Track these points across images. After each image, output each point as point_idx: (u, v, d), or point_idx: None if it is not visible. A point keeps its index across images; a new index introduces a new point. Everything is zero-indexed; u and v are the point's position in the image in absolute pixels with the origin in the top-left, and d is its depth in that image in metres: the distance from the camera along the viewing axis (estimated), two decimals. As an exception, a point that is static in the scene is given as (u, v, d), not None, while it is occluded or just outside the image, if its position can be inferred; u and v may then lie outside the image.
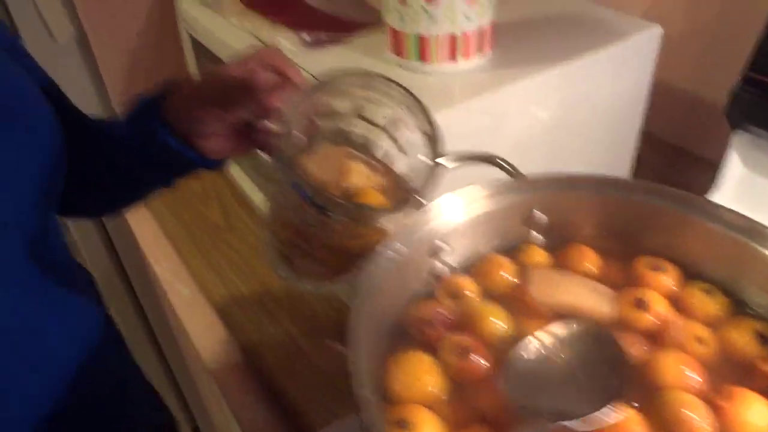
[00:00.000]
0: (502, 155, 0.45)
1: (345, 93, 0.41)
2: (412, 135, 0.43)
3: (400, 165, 0.44)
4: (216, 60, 0.83)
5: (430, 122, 0.41)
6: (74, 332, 0.51)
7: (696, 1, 0.75)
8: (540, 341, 0.36)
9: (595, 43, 0.65)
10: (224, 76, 0.47)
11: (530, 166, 0.45)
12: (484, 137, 0.61)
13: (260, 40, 0.74)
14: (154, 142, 0.51)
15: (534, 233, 0.46)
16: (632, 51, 0.68)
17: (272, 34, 0.72)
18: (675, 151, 0.83)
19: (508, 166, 0.44)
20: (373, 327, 0.36)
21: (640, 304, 0.41)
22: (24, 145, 0.44)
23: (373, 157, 0.43)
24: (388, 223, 0.39)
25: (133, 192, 0.64)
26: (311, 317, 0.82)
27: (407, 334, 0.41)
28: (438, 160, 0.41)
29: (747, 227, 0.41)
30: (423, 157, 0.41)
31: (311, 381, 0.74)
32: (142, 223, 1.07)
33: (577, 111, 0.67)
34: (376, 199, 0.41)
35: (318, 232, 0.41)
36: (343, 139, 0.43)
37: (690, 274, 0.44)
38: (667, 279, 0.44)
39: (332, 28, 0.72)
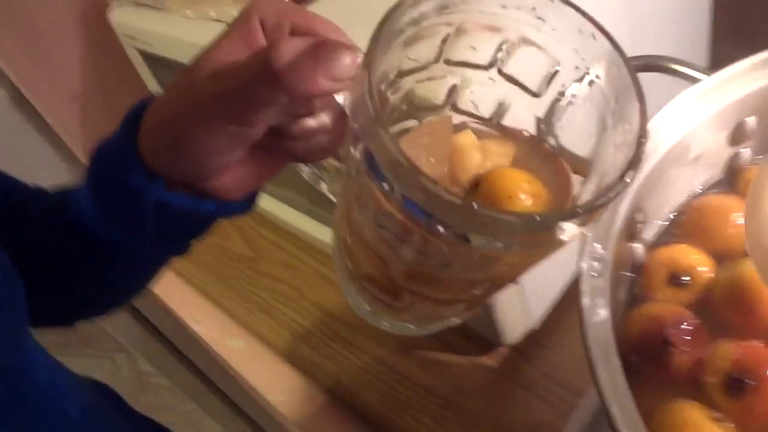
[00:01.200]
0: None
1: (426, 31, 0.24)
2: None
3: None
4: (177, 69, 0.67)
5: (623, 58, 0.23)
6: None
7: None
8: None
9: None
10: (221, 69, 0.28)
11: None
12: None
13: (227, 23, 0.58)
14: (141, 208, 0.32)
15: (746, 150, 0.30)
16: None
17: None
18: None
19: (684, 68, 0.28)
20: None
21: None
22: None
23: (498, 124, 0.26)
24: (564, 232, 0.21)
25: (130, 282, 0.45)
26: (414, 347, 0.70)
27: (645, 367, 0.25)
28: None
29: None
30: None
31: (428, 409, 0.62)
32: (164, 283, 0.93)
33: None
34: (529, 191, 0.24)
35: (437, 271, 0.24)
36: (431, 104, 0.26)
37: None
38: None
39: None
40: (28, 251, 0.39)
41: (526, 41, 0.24)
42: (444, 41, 0.25)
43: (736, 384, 0.23)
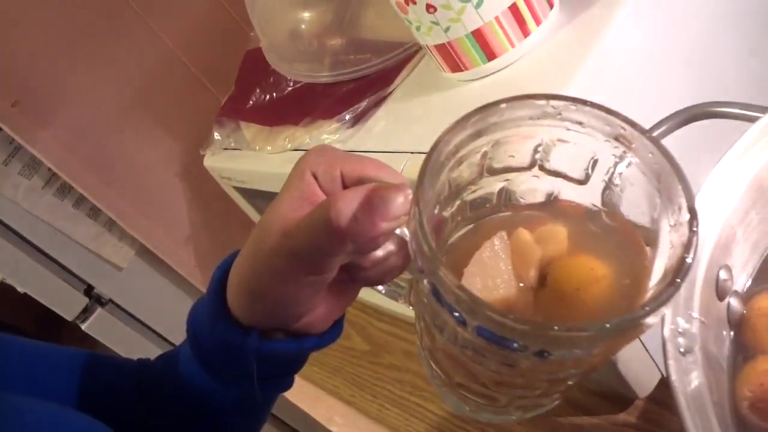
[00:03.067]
0: (640, 109, 0.28)
1: (466, 156, 0.26)
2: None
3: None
4: (271, 198, 0.73)
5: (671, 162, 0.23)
6: None
7: None
8: None
9: None
10: (289, 227, 0.30)
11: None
12: (619, 95, 0.45)
13: (302, 150, 0.63)
14: (245, 360, 0.34)
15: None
16: None
17: (314, 137, 0.60)
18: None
19: (738, 109, 0.28)
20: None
21: None
22: None
23: (551, 203, 0.27)
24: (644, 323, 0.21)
25: None
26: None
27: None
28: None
29: None
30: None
31: None
32: (295, 388, 0.97)
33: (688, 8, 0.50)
34: (594, 277, 0.25)
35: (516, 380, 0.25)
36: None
37: None
38: None
39: (366, 91, 0.59)
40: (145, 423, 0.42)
41: (560, 140, 0.25)
42: (483, 156, 0.26)
43: None
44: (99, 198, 0.86)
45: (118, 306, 0.91)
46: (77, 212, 0.86)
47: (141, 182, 0.91)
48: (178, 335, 0.98)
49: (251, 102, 0.72)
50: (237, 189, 0.81)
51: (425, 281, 0.23)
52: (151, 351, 0.96)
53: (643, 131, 0.23)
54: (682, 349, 0.23)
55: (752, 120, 0.29)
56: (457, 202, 0.28)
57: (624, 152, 0.24)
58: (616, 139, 0.24)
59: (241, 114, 0.72)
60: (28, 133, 0.78)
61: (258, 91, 0.72)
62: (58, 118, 0.82)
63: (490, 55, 0.48)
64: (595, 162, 0.26)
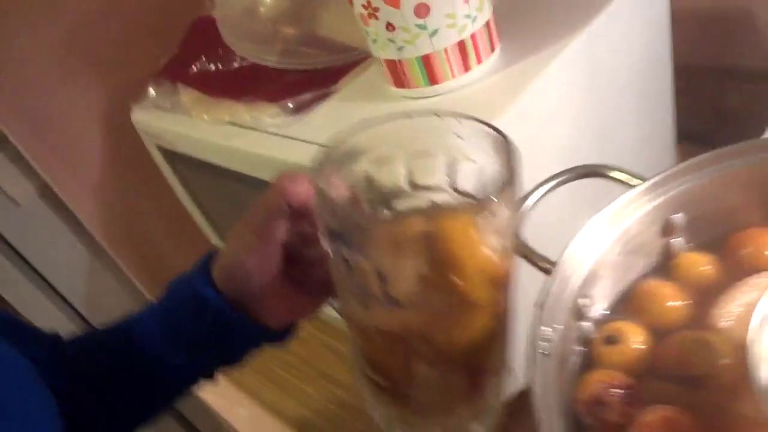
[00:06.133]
0: (551, 157, 0.35)
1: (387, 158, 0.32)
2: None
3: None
4: (193, 164, 0.74)
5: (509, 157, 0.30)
6: None
7: None
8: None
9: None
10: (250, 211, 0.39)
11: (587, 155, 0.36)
12: (531, 143, 0.51)
13: (240, 126, 0.65)
14: (203, 316, 0.40)
15: (677, 240, 0.36)
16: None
17: (254, 117, 0.62)
18: (715, 73, 0.74)
19: (622, 175, 0.35)
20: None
21: None
22: None
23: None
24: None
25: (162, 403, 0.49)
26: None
27: (590, 428, 0.31)
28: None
29: None
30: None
31: None
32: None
33: (607, 74, 0.58)
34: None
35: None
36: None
37: None
38: None
39: (313, 84, 0.63)
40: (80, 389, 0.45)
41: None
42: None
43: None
44: (6, 124, 0.83)
45: (8, 244, 0.87)
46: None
47: (57, 121, 0.88)
48: (66, 285, 0.95)
49: (195, 68, 0.73)
50: (160, 149, 0.81)
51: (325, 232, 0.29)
52: (34, 296, 0.92)
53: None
54: (542, 351, 0.28)
55: (631, 185, 0.37)
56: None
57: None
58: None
59: (183, 77, 0.73)
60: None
61: (204, 59, 0.73)
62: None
63: (432, 79, 0.53)
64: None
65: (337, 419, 0.73)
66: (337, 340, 0.83)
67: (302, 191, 0.36)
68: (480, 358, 0.32)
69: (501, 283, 0.30)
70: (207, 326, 0.40)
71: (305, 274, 0.40)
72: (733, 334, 0.31)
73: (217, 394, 0.87)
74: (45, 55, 0.85)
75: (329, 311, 0.80)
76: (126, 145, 0.90)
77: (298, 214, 0.37)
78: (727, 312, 0.32)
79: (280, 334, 0.42)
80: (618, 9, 0.56)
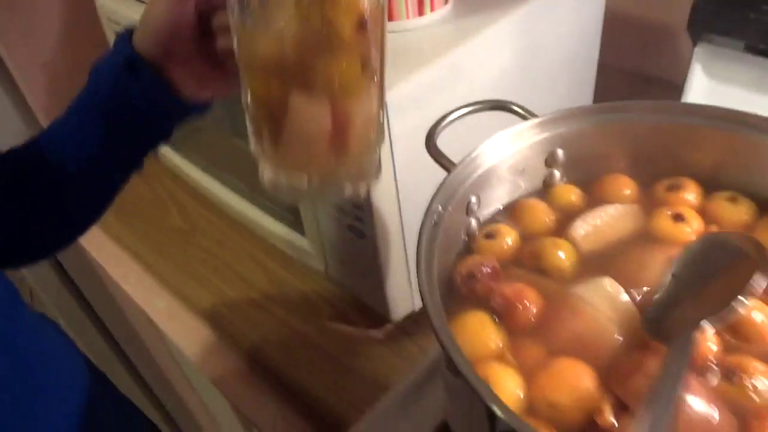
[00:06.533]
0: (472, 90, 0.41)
1: None
2: None
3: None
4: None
5: None
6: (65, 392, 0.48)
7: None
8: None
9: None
10: None
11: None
12: (455, 92, 0.59)
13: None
14: (121, 76, 0.44)
15: (556, 172, 0.45)
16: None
17: None
18: (634, 78, 0.85)
19: (521, 110, 0.43)
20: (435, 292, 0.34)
21: (678, 218, 0.41)
22: None
23: None
24: None
25: (105, 186, 0.53)
26: (305, 302, 0.80)
27: (462, 295, 0.39)
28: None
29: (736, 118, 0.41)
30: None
31: (322, 367, 0.72)
32: (99, 245, 1.00)
33: (540, 51, 0.67)
34: None
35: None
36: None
37: (712, 186, 0.45)
38: (689, 194, 0.44)
39: None
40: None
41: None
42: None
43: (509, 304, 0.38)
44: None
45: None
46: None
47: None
48: None
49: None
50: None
51: None
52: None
53: None
54: (434, 221, 0.36)
55: (526, 119, 0.45)
56: None
57: None
58: None
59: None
60: None
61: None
62: None
63: (390, 16, 0.60)
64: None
65: (250, 318, 0.79)
66: (260, 251, 0.89)
67: None
68: (349, 103, 0.37)
69: (366, 27, 0.35)
70: (122, 88, 0.44)
71: (213, 48, 0.43)
72: (575, 242, 0.41)
73: (138, 285, 0.91)
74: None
75: (258, 223, 0.85)
76: (84, 29, 0.91)
77: None
78: (575, 227, 0.41)
79: (191, 108, 0.47)
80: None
